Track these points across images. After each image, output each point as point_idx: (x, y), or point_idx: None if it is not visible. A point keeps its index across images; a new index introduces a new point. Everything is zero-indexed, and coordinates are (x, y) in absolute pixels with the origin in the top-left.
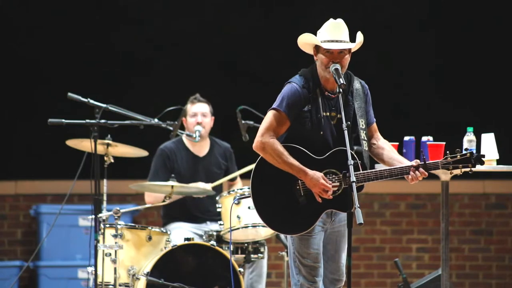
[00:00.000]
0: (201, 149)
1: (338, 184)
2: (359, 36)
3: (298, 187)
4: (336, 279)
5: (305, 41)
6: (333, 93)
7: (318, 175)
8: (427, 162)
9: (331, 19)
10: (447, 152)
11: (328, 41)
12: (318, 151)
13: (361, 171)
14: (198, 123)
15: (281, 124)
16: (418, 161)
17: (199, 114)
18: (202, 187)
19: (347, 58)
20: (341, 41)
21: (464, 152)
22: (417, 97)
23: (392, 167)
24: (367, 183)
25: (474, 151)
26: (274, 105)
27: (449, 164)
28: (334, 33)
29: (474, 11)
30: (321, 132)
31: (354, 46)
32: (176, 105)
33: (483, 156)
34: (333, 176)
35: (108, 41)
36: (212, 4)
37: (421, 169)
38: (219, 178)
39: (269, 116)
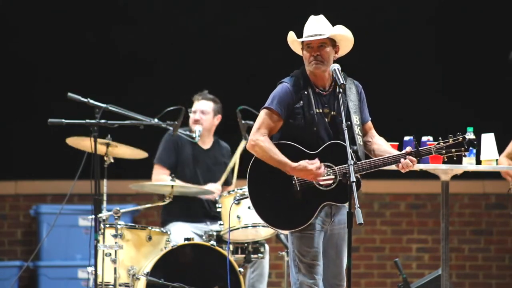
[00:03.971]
0: (205, 143)
1: (333, 177)
2: (339, 29)
3: (294, 182)
4: (337, 283)
5: (289, 40)
6: (325, 90)
7: (302, 163)
8: (420, 148)
9: (312, 16)
10: (440, 138)
11: (306, 36)
12: (313, 147)
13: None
14: (195, 120)
15: (273, 122)
16: (410, 148)
17: (198, 112)
18: (213, 188)
19: (328, 51)
20: (317, 35)
21: (456, 137)
22: (417, 97)
23: (385, 156)
24: (366, 183)
25: (474, 154)
26: (265, 104)
27: (441, 149)
28: (311, 28)
29: (474, 11)
30: (315, 128)
31: (341, 41)
32: (176, 105)
33: (475, 140)
34: (328, 169)
35: (108, 41)
36: (212, 4)
37: (409, 157)
38: (218, 173)
39: (261, 115)
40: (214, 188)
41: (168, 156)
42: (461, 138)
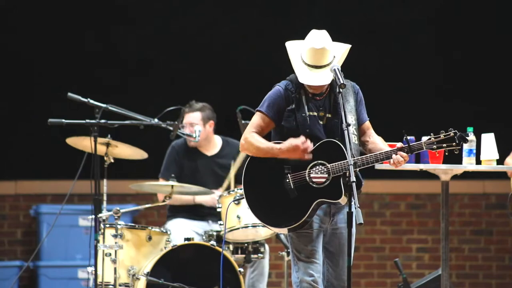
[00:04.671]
0: (210, 148)
1: (326, 175)
2: (340, 56)
3: (287, 181)
4: (341, 285)
5: (288, 52)
6: (318, 95)
7: (288, 141)
8: (411, 144)
9: (313, 42)
10: (432, 133)
11: (307, 64)
12: None
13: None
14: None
15: (264, 124)
16: (401, 144)
17: (187, 126)
18: (211, 198)
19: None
20: (320, 67)
21: (447, 132)
22: (417, 97)
23: (378, 152)
24: (366, 183)
25: (474, 154)
26: (258, 108)
27: (433, 143)
28: (314, 58)
29: (475, 11)
30: (307, 130)
31: (339, 60)
32: (176, 105)
33: (467, 135)
34: (322, 167)
35: (108, 41)
36: (212, 4)
37: (400, 152)
38: (224, 179)
39: (253, 118)
40: (210, 200)
41: (169, 170)
42: (452, 133)
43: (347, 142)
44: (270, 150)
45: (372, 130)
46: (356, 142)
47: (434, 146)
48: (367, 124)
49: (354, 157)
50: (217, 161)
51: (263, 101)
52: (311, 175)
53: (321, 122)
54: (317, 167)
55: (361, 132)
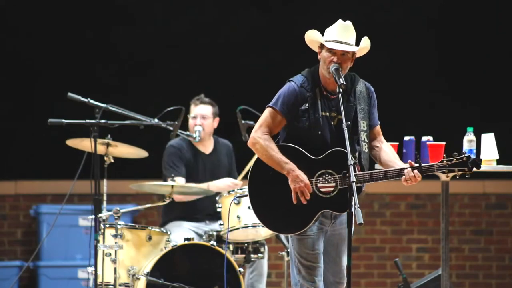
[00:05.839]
0: (206, 147)
1: (334, 184)
2: (364, 41)
3: None
4: (337, 281)
5: (311, 38)
6: (333, 93)
7: (305, 178)
8: (422, 165)
9: (340, 20)
10: (444, 155)
11: (334, 41)
12: (316, 151)
13: (357, 172)
14: (196, 125)
15: (276, 121)
16: (412, 162)
17: (198, 117)
18: (232, 182)
19: (349, 62)
20: (346, 43)
21: (460, 155)
22: (417, 97)
23: (388, 169)
24: (366, 184)
25: (474, 154)
26: (270, 103)
27: (444, 167)
28: (341, 34)
29: (476, 11)
30: (319, 132)
31: (359, 51)
32: (176, 105)
33: (480, 160)
34: (329, 176)
35: (108, 41)
36: (212, 4)
37: (415, 171)
38: (223, 176)
39: (265, 113)
40: (226, 183)
41: (179, 167)
42: (465, 158)
43: (347, 142)
44: (280, 164)
45: (382, 137)
46: (366, 150)
47: (446, 170)
48: (378, 128)
49: (364, 166)
50: (213, 159)
51: (277, 97)
52: (318, 185)
53: (332, 123)
54: (324, 176)
55: (371, 136)
